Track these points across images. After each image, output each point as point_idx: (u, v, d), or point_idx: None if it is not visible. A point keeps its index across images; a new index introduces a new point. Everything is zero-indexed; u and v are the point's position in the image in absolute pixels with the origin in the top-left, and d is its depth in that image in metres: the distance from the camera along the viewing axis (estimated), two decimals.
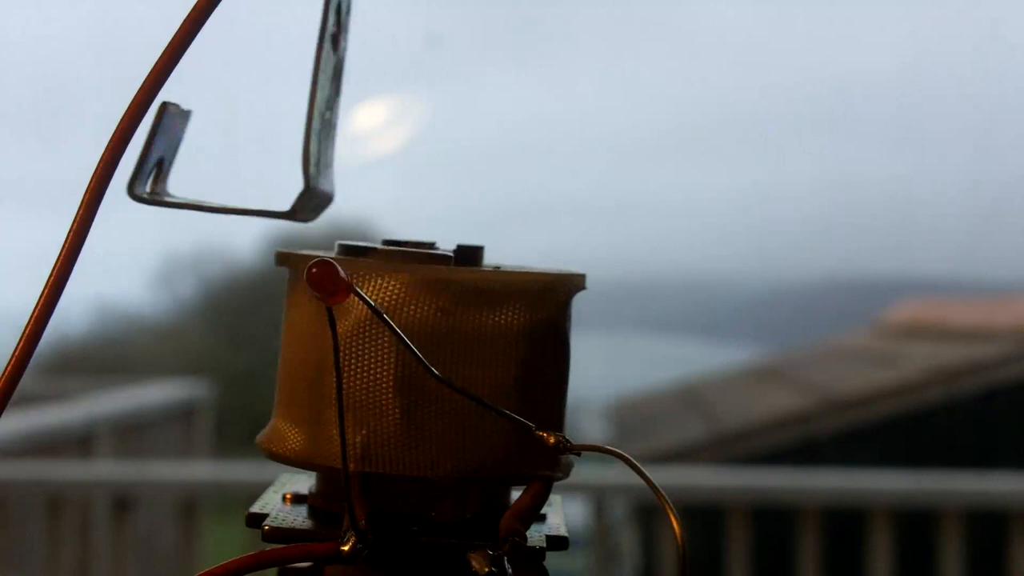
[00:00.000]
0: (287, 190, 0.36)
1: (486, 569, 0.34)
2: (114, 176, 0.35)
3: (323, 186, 0.38)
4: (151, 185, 0.38)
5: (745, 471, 3.01)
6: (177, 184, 0.39)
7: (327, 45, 0.37)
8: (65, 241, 0.34)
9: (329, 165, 0.39)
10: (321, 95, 0.37)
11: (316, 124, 0.37)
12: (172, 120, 0.38)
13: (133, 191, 0.37)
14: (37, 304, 0.33)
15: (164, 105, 0.37)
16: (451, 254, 0.38)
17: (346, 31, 0.39)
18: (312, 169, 0.36)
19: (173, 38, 0.34)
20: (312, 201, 0.37)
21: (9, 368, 0.33)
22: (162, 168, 0.38)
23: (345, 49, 0.39)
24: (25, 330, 0.33)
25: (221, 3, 0.34)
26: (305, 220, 0.38)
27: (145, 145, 0.37)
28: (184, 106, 0.38)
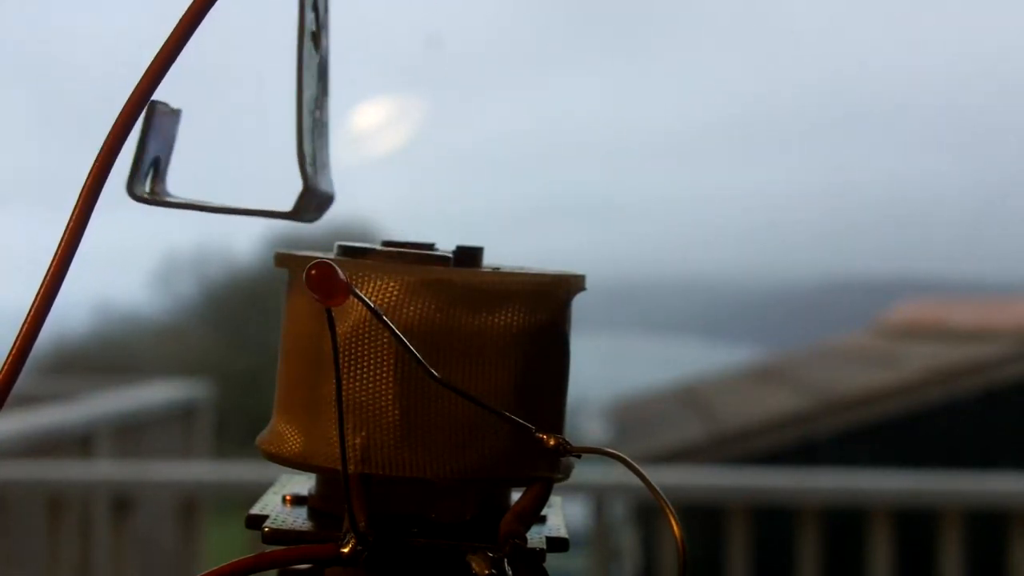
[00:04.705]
0: (287, 191, 0.36)
1: (486, 571, 0.34)
2: (113, 176, 0.35)
3: (322, 186, 0.38)
4: (150, 185, 0.38)
5: (745, 471, 3.01)
6: (178, 184, 0.39)
7: (308, 43, 0.37)
8: (62, 237, 0.34)
9: (326, 165, 0.38)
10: (308, 94, 0.37)
11: (307, 123, 0.36)
12: (162, 119, 0.37)
13: (133, 191, 0.37)
14: (35, 298, 0.33)
15: (153, 104, 0.36)
16: (450, 255, 0.38)
17: (326, 29, 0.38)
18: (309, 168, 0.36)
19: (169, 38, 0.34)
20: (313, 201, 0.37)
21: (8, 364, 0.33)
22: (159, 168, 0.38)
23: (327, 47, 0.39)
24: (23, 325, 0.33)
25: (216, 3, 0.34)
26: (308, 220, 0.38)
27: (139, 145, 0.37)
28: (174, 105, 0.38)
